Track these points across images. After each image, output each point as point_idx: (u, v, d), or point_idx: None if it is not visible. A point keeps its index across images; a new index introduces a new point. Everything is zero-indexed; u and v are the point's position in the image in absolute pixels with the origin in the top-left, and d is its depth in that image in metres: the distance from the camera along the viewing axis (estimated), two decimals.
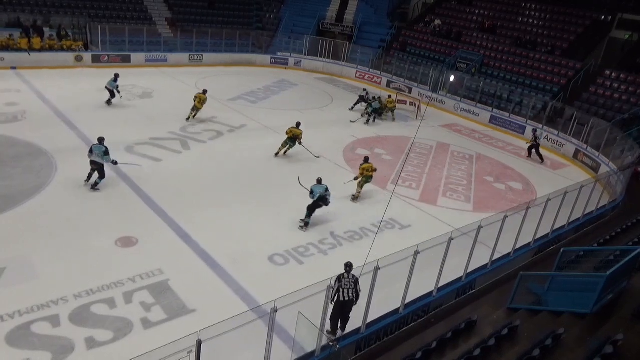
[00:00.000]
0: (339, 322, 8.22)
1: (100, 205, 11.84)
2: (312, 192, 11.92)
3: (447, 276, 9.70)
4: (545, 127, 22.11)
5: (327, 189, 11.98)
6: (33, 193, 11.99)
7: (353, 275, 7.98)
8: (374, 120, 21.65)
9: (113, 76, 19.28)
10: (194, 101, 18.92)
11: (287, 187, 14.15)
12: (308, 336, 7.42)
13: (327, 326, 7.88)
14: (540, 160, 19.63)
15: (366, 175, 13.81)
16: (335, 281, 7.81)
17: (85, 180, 12.75)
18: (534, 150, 19.76)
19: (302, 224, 11.94)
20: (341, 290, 7.84)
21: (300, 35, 31.99)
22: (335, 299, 7.80)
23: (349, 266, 8.02)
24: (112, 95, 19.44)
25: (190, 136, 17.21)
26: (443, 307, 9.71)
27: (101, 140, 12.75)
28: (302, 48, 31.66)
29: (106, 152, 12.54)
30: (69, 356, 7.39)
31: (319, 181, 12.15)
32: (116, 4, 29.05)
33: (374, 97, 22.62)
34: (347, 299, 7.92)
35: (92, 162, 12.57)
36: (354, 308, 8.08)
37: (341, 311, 8.05)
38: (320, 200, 11.84)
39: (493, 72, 27.05)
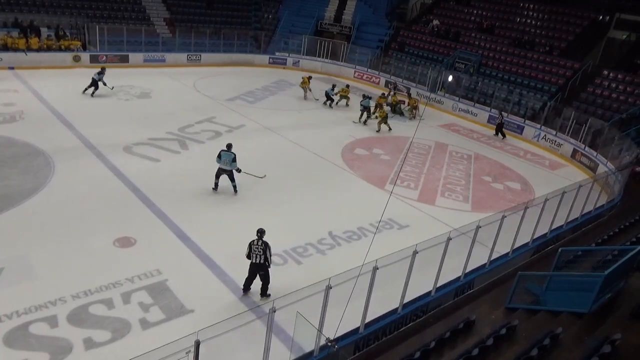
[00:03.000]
0: (251, 283, 9.24)
1: (99, 206, 11.82)
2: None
3: (446, 276, 9.71)
4: (543, 127, 22.16)
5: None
6: (31, 193, 11.96)
7: (263, 242, 8.96)
8: (365, 120, 21.49)
9: (99, 69, 20.21)
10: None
11: (286, 187, 14.16)
12: (306, 336, 7.42)
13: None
14: (502, 137, 22.14)
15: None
16: (247, 247, 8.99)
17: (213, 189, 13.14)
18: (499, 129, 22.07)
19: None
20: (252, 255, 8.94)
21: (298, 35, 31.99)
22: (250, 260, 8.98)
23: (259, 232, 9.04)
24: (95, 87, 20.09)
25: (189, 136, 17.19)
26: (441, 307, 9.71)
27: (229, 146, 12.91)
28: (300, 48, 31.65)
29: (234, 159, 12.74)
30: (67, 357, 7.38)
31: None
32: (114, 4, 29.02)
33: (364, 95, 22.31)
34: (258, 262, 8.92)
35: (221, 169, 12.85)
36: (354, 307, 8.04)
37: (253, 272, 9.10)
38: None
39: (491, 72, 27.08)
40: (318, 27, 33.80)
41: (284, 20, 33.67)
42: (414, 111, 23.71)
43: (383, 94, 23.80)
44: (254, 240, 8.98)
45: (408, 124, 22.53)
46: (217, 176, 13.03)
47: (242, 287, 9.32)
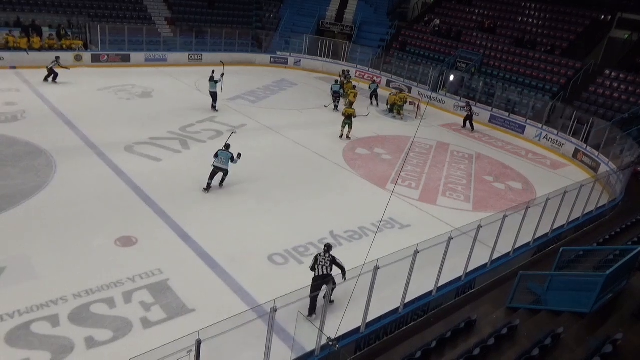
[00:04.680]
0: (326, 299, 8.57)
1: (100, 205, 11.83)
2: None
3: (447, 276, 9.71)
4: (544, 127, 22.13)
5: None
6: (32, 192, 11.98)
7: (330, 255, 8.93)
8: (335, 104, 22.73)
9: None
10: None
11: (287, 186, 14.17)
12: (308, 336, 7.43)
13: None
14: (471, 129, 22.41)
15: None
16: (313, 260, 8.99)
17: (205, 190, 13.14)
18: (467, 121, 22.52)
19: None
20: (317, 266, 8.82)
21: (299, 34, 31.98)
22: (315, 274, 8.81)
23: (327, 246, 9.07)
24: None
25: (190, 136, 17.20)
26: (442, 307, 9.71)
27: (227, 146, 13.33)
28: (301, 47, 31.65)
29: (231, 158, 13.13)
30: (69, 356, 7.39)
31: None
32: (116, 4, 29.03)
33: (335, 81, 23.75)
34: (323, 273, 8.76)
35: (216, 168, 13.12)
36: (355, 306, 8.06)
37: (318, 286, 8.57)
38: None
39: (493, 72, 27.05)
40: (319, 26, 33.79)
41: (285, 19, 33.67)
42: (401, 110, 23.35)
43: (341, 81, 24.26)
44: (320, 253, 8.99)
45: (409, 123, 22.52)
46: (212, 176, 13.18)
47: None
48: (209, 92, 20.35)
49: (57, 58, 21.79)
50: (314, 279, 8.73)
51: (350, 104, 21.17)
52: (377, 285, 7.79)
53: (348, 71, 27.25)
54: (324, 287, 8.34)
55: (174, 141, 16.53)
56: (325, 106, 22.91)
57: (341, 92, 23.29)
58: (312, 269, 8.93)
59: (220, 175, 13.26)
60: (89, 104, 19.30)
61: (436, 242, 8.77)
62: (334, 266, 8.82)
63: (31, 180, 12.58)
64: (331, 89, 23.30)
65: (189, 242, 10.78)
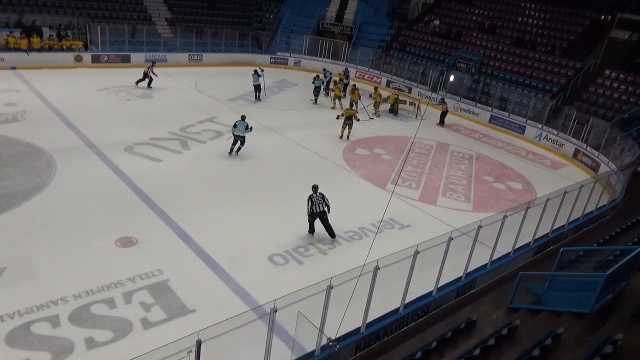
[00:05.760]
0: (314, 227, 11.66)
1: (100, 206, 11.84)
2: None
3: (447, 276, 9.70)
4: (544, 127, 22.13)
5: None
6: (33, 193, 11.99)
7: (320, 193, 11.36)
8: (316, 98, 23.67)
9: None
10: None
11: (287, 187, 14.17)
12: (308, 336, 7.42)
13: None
14: (442, 125, 22.76)
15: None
16: (308, 201, 11.35)
17: (229, 153, 15.77)
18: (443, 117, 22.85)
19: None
20: (314, 206, 11.26)
21: (299, 35, 31.99)
22: (310, 212, 11.35)
23: (315, 187, 11.43)
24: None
25: (190, 136, 17.21)
26: (443, 307, 9.71)
27: (243, 117, 15.90)
28: (301, 48, 31.66)
29: (247, 127, 15.49)
30: (69, 356, 7.39)
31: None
32: (116, 4, 29.04)
33: (317, 76, 24.37)
34: (319, 210, 11.29)
35: (237, 136, 15.59)
36: (355, 307, 8.05)
37: (314, 219, 11.49)
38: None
39: (493, 72, 27.05)
40: (319, 27, 33.80)
41: (285, 20, 33.68)
42: (395, 106, 23.84)
43: (334, 81, 24.79)
44: (312, 195, 11.32)
45: (409, 123, 22.53)
46: (235, 142, 15.68)
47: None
48: (253, 85, 22.88)
49: (153, 63, 23.00)
50: (312, 215, 11.36)
51: (351, 105, 21.23)
52: (377, 285, 7.79)
53: (347, 70, 27.53)
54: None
55: (174, 141, 16.54)
56: (311, 100, 23.82)
57: (323, 86, 24.49)
58: (310, 210, 11.28)
59: (238, 144, 15.62)
60: (89, 105, 19.30)
61: (436, 242, 8.76)
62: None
63: (31, 180, 12.59)
64: (313, 84, 23.93)
65: (189, 242, 10.78)
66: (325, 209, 11.34)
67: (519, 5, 30.53)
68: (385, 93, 24.63)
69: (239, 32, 31.03)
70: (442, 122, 22.96)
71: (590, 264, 9.43)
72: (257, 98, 23.01)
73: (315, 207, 11.28)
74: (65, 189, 12.44)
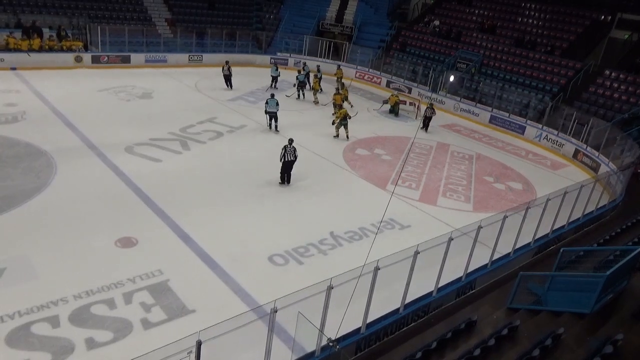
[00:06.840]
0: (286, 177, 14.05)
1: (100, 206, 11.84)
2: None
3: (447, 276, 9.71)
4: (545, 127, 22.13)
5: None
6: (33, 193, 11.99)
7: (293, 147, 13.77)
8: (299, 93, 23.96)
9: None
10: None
11: (287, 187, 14.17)
12: (308, 336, 7.42)
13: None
14: (425, 130, 21.36)
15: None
16: (282, 149, 13.66)
17: (269, 127, 18.31)
18: (428, 121, 21.52)
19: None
20: (287, 154, 13.63)
21: (299, 35, 31.99)
22: (283, 160, 13.67)
23: (290, 140, 13.91)
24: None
25: (190, 136, 17.21)
26: (443, 307, 9.71)
27: (273, 95, 18.34)
28: (301, 48, 31.66)
29: (277, 103, 17.92)
30: (69, 357, 7.39)
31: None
32: (116, 5, 29.04)
33: (299, 71, 24.84)
34: (290, 159, 13.76)
35: (270, 112, 17.99)
36: (355, 307, 8.05)
37: (286, 168, 13.90)
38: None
39: (493, 72, 27.05)
40: (319, 27, 33.80)
41: (285, 20, 33.68)
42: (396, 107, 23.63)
43: (337, 89, 23.45)
44: (287, 146, 13.68)
45: (409, 124, 22.52)
46: (271, 118, 18.22)
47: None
48: (298, 81, 23.95)
49: (227, 62, 23.85)
50: (284, 163, 13.75)
51: (342, 101, 21.06)
52: (377, 285, 7.79)
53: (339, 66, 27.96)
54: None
55: (174, 142, 16.54)
56: (287, 96, 23.81)
57: (306, 81, 24.73)
58: (282, 157, 13.61)
59: (273, 121, 17.95)
60: (89, 105, 19.31)
61: (436, 242, 8.76)
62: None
63: (31, 181, 12.59)
64: (296, 79, 24.18)
65: (189, 242, 10.78)
66: (294, 159, 13.76)
67: (519, 5, 30.54)
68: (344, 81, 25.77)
69: (239, 33, 31.02)
70: (425, 126, 21.25)
71: (591, 264, 9.44)
72: (274, 87, 24.55)
73: (288, 156, 13.59)
74: (65, 189, 12.44)
